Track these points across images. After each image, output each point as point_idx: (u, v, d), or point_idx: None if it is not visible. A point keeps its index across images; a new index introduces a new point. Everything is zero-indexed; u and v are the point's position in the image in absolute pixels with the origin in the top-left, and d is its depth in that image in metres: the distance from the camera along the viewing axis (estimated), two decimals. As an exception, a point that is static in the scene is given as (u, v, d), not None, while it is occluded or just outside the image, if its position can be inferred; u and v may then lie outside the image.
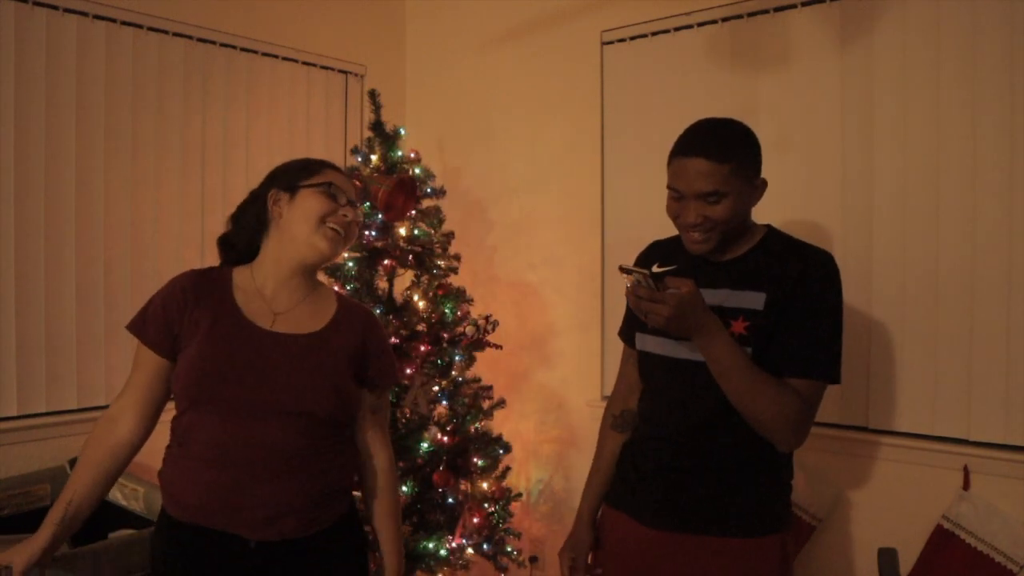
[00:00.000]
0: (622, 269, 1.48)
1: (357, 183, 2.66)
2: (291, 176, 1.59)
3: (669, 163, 1.59)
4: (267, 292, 1.57)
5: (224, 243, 1.67)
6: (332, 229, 1.53)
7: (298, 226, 1.53)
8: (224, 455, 1.45)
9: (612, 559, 1.74)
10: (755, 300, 1.54)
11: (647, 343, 1.68)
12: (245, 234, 1.62)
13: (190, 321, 1.51)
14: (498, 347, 2.70)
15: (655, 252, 1.79)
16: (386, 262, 2.57)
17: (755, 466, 1.58)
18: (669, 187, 1.57)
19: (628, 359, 1.84)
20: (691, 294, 1.44)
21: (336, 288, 1.77)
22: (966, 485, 2.19)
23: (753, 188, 1.56)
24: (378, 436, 1.68)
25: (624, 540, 1.70)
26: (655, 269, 1.52)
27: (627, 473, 1.73)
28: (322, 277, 2.76)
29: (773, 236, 1.63)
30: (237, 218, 1.65)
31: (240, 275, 1.59)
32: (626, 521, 1.69)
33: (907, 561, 2.21)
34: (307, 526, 1.49)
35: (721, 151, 1.50)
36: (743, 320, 1.54)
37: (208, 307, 1.52)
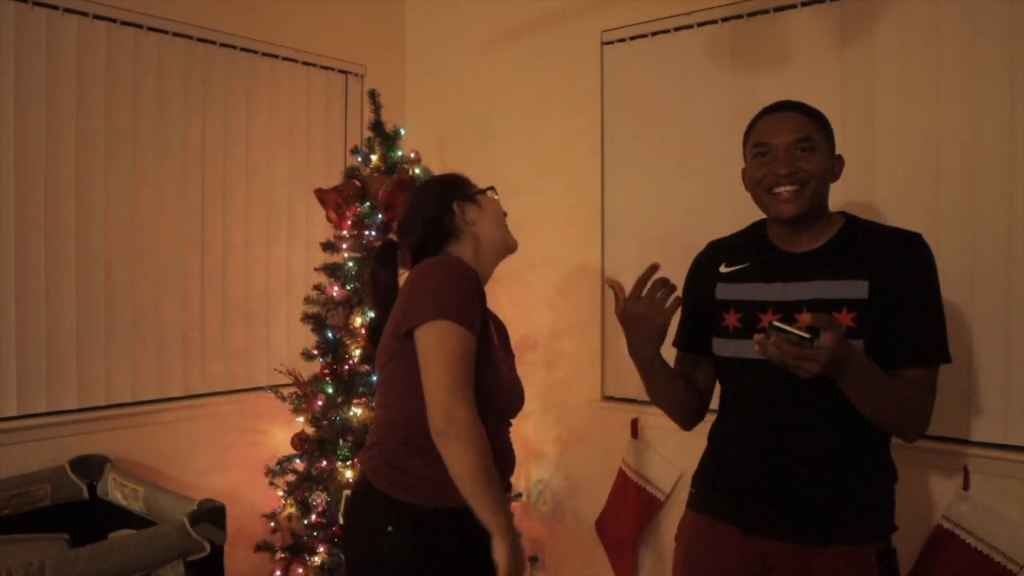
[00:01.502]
0: (776, 328, 1.30)
1: (357, 183, 2.67)
2: (465, 188, 1.71)
3: (750, 129, 1.56)
4: None
5: (414, 250, 1.68)
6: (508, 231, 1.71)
7: (491, 230, 1.68)
8: (502, 452, 1.55)
9: (705, 570, 1.61)
10: (859, 289, 1.46)
11: (729, 347, 1.56)
12: (431, 239, 1.66)
13: (483, 325, 1.53)
14: (498, 347, 2.70)
15: (717, 252, 1.68)
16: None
17: (864, 467, 1.52)
18: (755, 145, 1.52)
19: (680, 363, 1.73)
20: (842, 331, 1.31)
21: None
22: (966, 485, 2.19)
23: (834, 159, 1.53)
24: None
25: (721, 549, 1.57)
26: (805, 334, 1.29)
27: (726, 482, 1.59)
28: (323, 277, 2.77)
29: (856, 221, 1.56)
30: (420, 225, 1.66)
31: None
32: (724, 529, 1.56)
33: (907, 561, 2.21)
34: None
35: (809, 109, 1.51)
36: (848, 311, 1.45)
37: (487, 314, 1.59)
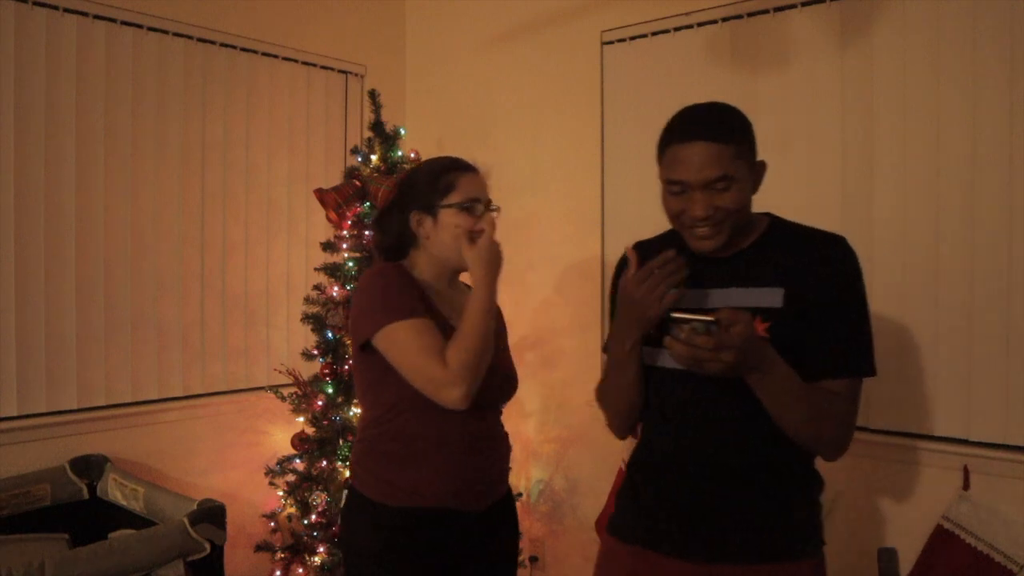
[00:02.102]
0: (675, 319, 1.26)
1: (357, 183, 2.67)
2: (428, 194, 1.65)
3: (662, 154, 1.43)
4: (440, 293, 1.69)
5: (380, 248, 1.76)
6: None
7: (447, 246, 1.64)
8: (468, 444, 1.61)
9: None
10: (772, 297, 1.38)
11: (662, 357, 1.44)
12: (393, 242, 1.72)
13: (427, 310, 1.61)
14: (498, 347, 2.70)
15: (643, 255, 1.53)
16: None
17: (791, 483, 1.44)
18: (667, 181, 1.41)
19: None
20: (752, 326, 1.26)
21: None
22: (966, 485, 2.19)
23: (755, 172, 1.41)
24: None
25: (639, 574, 1.50)
26: (708, 317, 1.25)
27: (645, 502, 1.51)
28: (322, 277, 2.77)
29: (779, 225, 1.49)
30: (382, 228, 1.74)
31: (415, 274, 1.69)
32: (642, 554, 1.47)
33: (907, 561, 2.21)
34: (500, 494, 1.72)
35: (723, 131, 1.35)
36: (761, 321, 1.36)
37: (426, 308, 1.61)
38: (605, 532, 1.60)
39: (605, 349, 1.61)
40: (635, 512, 1.52)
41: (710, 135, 1.34)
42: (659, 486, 1.48)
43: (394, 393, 1.59)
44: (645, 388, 1.51)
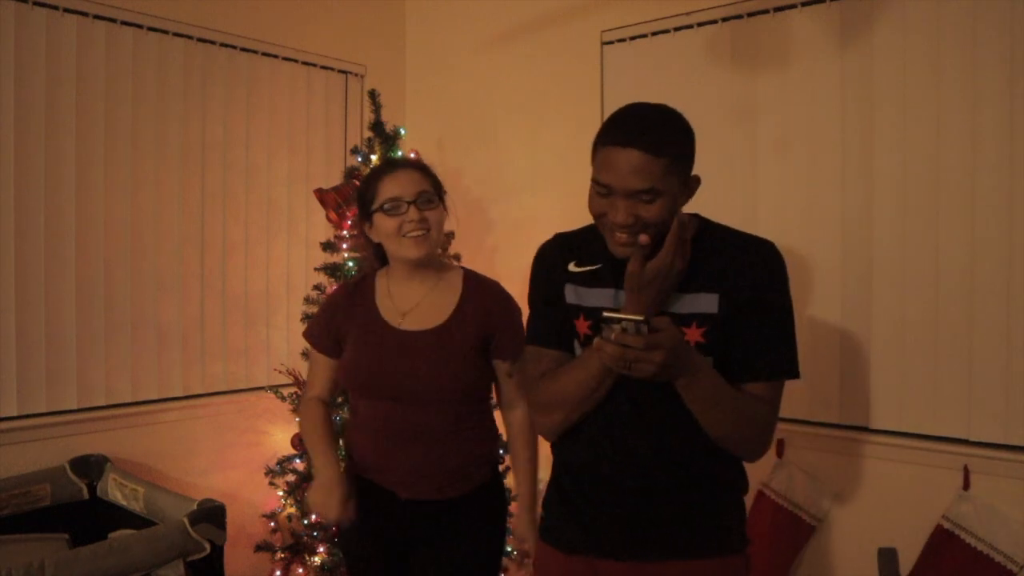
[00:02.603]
0: (607, 319, 1.24)
1: (357, 183, 2.67)
2: (364, 202, 1.80)
3: (595, 152, 1.41)
4: (394, 293, 1.82)
5: (375, 254, 1.90)
6: (410, 237, 1.73)
7: (389, 245, 1.78)
8: (378, 429, 1.77)
9: None
10: (708, 303, 1.38)
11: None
12: (370, 245, 1.87)
13: (343, 330, 1.83)
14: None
15: (566, 247, 1.56)
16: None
17: (718, 483, 1.45)
18: (595, 180, 1.40)
19: (552, 362, 1.50)
20: (678, 335, 1.27)
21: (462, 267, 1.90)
22: (966, 485, 2.19)
23: (686, 187, 1.38)
24: (512, 394, 1.87)
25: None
26: (639, 316, 1.24)
27: (575, 505, 1.48)
28: (322, 277, 2.77)
29: (709, 228, 1.45)
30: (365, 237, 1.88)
31: (380, 279, 1.86)
32: (579, 561, 1.46)
33: (907, 561, 2.21)
34: (442, 490, 1.74)
35: (658, 143, 1.31)
36: (697, 327, 1.37)
37: (355, 316, 1.82)
38: (540, 540, 1.56)
39: (536, 342, 1.53)
40: (565, 517, 1.50)
41: (645, 145, 1.31)
42: (590, 489, 1.46)
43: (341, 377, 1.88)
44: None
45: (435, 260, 1.85)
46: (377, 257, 1.90)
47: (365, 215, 1.80)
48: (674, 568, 1.41)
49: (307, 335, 1.92)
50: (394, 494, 1.76)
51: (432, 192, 1.78)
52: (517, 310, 1.83)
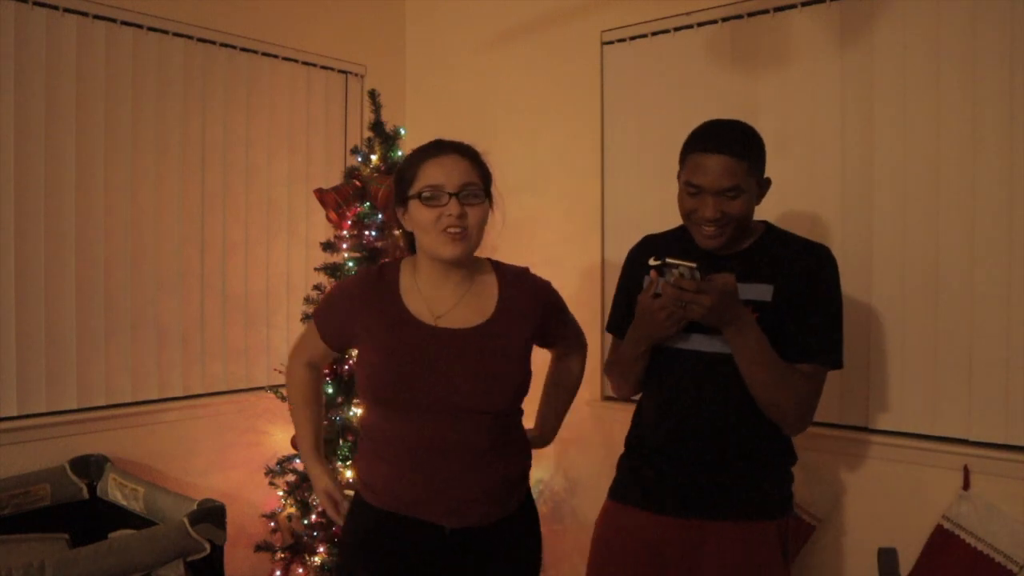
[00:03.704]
0: (666, 264, 1.53)
1: (357, 183, 2.67)
2: (401, 187, 1.59)
3: (684, 158, 1.64)
4: (426, 292, 1.60)
5: (408, 241, 1.70)
6: (447, 233, 1.51)
7: (421, 240, 1.57)
8: (413, 450, 1.53)
9: (617, 552, 1.77)
10: (764, 292, 1.62)
11: (670, 338, 1.68)
12: (402, 231, 1.68)
13: (359, 328, 1.60)
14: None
15: (653, 247, 1.81)
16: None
17: (768, 453, 1.68)
18: (686, 182, 1.62)
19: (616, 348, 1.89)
20: (733, 285, 1.52)
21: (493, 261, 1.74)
22: (966, 485, 2.19)
23: (761, 187, 1.64)
24: (572, 344, 1.86)
25: (630, 531, 1.75)
26: (693, 264, 1.52)
27: (640, 472, 1.77)
28: (322, 277, 2.77)
29: (773, 231, 1.73)
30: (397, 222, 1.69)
31: (405, 271, 1.64)
32: (635, 514, 1.74)
33: (907, 561, 2.21)
34: (491, 515, 1.57)
35: (741, 149, 1.57)
36: (753, 311, 1.59)
37: (377, 312, 1.58)
38: (609, 498, 1.83)
39: (609, 329, 1.92)
40: (632, 480, 1.78)
41: (730, 150, 1.57)
42: (654, 458, 1.74)
43: (360, 387, 1.64)
44: (648, 364, 1.75)
45: (471, 259, 1.63)
46: (409, 245, 1.69)
47: (401, 199, 1.59)
48: (715, 526, 1.65)
49: (317, 319, 1.71)
50: (440, 527, 1.54)
51: (479, 185, 1.55)
52: (561, 299, 1.76)
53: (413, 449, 1.54)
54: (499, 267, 1.68)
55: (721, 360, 1.62)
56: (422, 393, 1.51)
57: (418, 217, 1.54)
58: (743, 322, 1.54)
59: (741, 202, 1.58)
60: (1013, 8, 2.14)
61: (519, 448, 1.67)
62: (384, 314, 1.57)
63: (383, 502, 1.57)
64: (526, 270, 1.73)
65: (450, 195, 1.51)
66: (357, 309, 1.60)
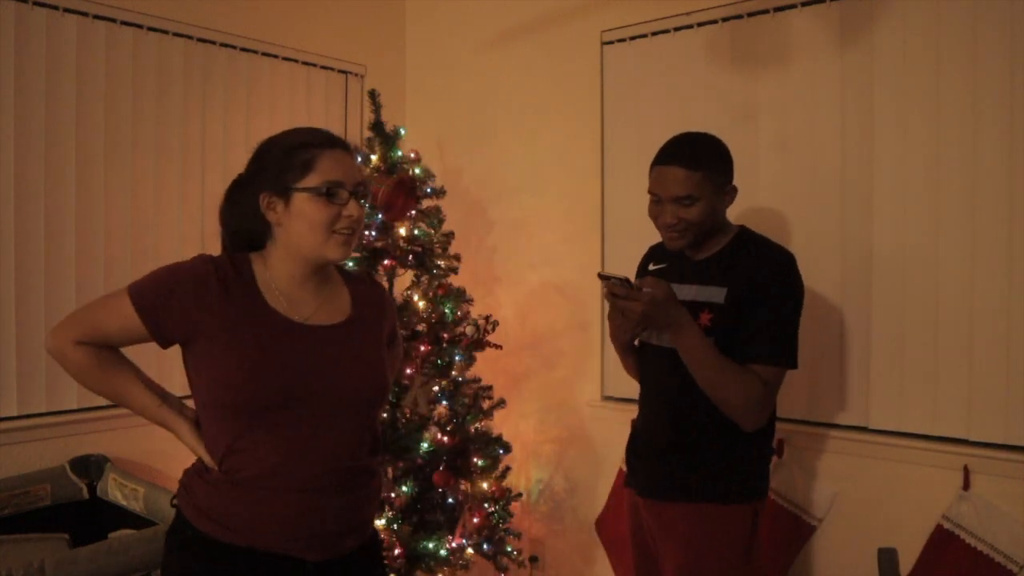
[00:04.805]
0: (601, 276, 1.71)
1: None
2: (281, 172, 1.37)
3: (650, 171, 1.82)
4: (285, 290, 1.42)
5: (226, 234, 1.50)
6: (341, 234, 1.37)
7: (302, 237, 1.37)
8: (280, 471, 1.34)
9: (625, 528, 2.05)
10: (717, 294, 1.75)
11: (640, 337, 1.95)
12: (243, 227, 1.45)
13: (217, 322, 1.36)
14: (498, 347, 2.70)
15: (652, 253, 2.06)
16: (386, 262, 2.57)
17: (727, 441, 1.77)
18: (649, 191, 1.82)
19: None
20: (663, 293, 1.67)
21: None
22: (966, 485, 2.19)
23: (723, 194, 1.79)
24: (399, 347, 1.70)
25: (631, 510, 1.99)
26: (633, 279, 1.73)
27: (630, 457, 1.99)
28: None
29: (742, 236, 1.84)
30: (232, 210, 1.47)
31: (257, 267, 1.43)
32: (631, 495, 1.96)
33: (907, 561, 2.21)
34: (351, 544, 1.41)
35: (694, 160, 1.73)
36: (707, 313, 1.75)
37: (239, 307, 1.37)
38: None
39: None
40: (628, 464, 2.01)
41: (683, 162, 1.74)
42: (636, 444, 1.97)
43: (212, 397, 1.45)
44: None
45: None
46: (232, 242, 1.48)
47: (278, 187, 1.37)
48: (682, 508, 1.79)
49: (143, 299, 1.37)
50: (301, 561, 1.35)
51: (366, 185, 1.45)
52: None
53: (282, 464, 1.34)
54: (338, 268, 1.56)
55: (670, 352, 1.79)
56: (305, 389, 1.34)
57: (309, 213, 1.35)
58: (681, 324, 1.69)
59: (697, 209, 1.73)
60: (1013, 8, 2.14)
61: (379, 462, 1.52)
62: (247, 311, 1.36)
63: (238, 539, 1.35)
64: (363, 271, 1.71)
65: (350, 194, 1.38)
66: (212, 301, 1.35)
